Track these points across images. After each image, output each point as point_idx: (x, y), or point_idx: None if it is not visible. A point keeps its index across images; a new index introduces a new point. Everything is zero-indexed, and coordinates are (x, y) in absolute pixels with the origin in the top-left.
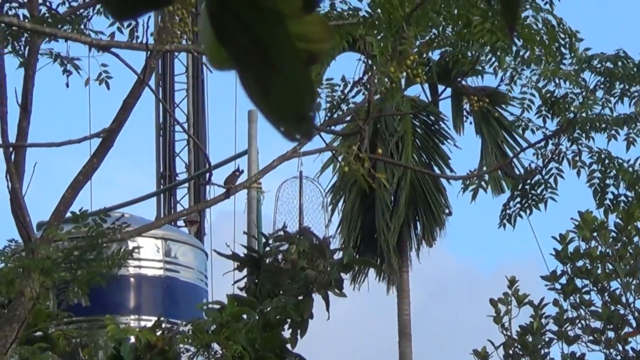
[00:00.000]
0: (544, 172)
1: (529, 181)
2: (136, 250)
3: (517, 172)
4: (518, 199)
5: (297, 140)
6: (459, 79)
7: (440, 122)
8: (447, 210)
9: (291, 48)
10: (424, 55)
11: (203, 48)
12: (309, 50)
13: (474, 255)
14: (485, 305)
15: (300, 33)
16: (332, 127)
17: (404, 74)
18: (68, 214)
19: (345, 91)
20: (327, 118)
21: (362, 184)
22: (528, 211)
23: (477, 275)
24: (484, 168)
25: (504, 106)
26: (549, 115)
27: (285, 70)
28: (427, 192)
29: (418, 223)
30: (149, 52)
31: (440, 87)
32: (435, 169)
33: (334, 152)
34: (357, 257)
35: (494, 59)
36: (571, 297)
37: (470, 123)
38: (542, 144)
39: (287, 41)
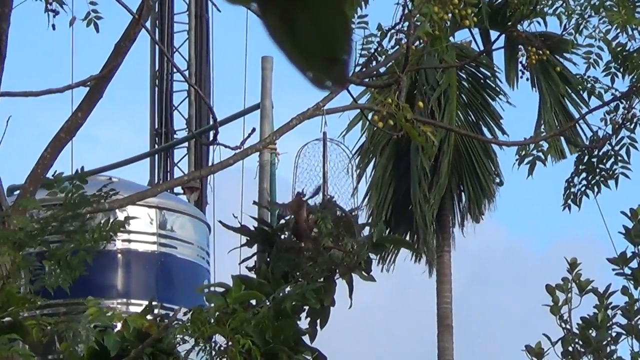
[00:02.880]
0: (613, 142)
1: (595, 152)
2: (129, 221)
3: (583, 138)
4: (584, 175)
5: (328, 88)
6: (515, 24)
7: (492, 75)
8: (497, 180)
9: None
10: None
11: None
12: None
13: (524, 231)
14: (539, 291)
15: None
16: (366, 79)
17: (450, 15)
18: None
19: (382, 41)
20: (359, 70)
21: (412, 135)
22: (596, 189)
23: (528, 255)
24: (542, 129)
25: (566, 55)
26: (619, 73)
27: (315, 5)
28: (474, 158)
29: (463, 194)
30: None
31: (492, 34)
32: (484, 130)
33: (362, 110)
34: (388, 233)
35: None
36: None
37: (527, 79)
38: (612, 107)
39: None
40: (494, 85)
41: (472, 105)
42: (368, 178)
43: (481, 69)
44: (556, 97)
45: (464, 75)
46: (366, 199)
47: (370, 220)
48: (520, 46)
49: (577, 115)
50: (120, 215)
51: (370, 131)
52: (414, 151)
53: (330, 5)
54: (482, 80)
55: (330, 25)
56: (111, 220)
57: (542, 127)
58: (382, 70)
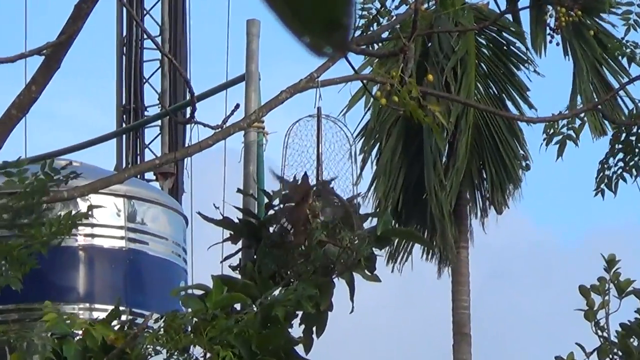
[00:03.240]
0: None
1: (635, 129)
2: (92, 211)
3: (623, 112)
4: (620, 155)
5: (327, 55)
6: None
7: (517, 40)
8: (524, 163)
9: None
10: None
11: None
12: None
13: (553, 222)
14: (570, 293)
15: None
16: (366, 47)
17: None
18: None
19: (385, 1)
20: (359, 35)
21: (416, 115)
22: (634, 171)
23: (557, 250)
24: (579, 100)
25: (602, 16)
26: None
27: None
28: (498, 137)
29: (484, 180)
30: None
31: None
32: (509, 104)
33: (364, 82)
34: (396, 226)
35: None
36: None
37: (558, 44)
38: None
39: None
40: (518, 52)
41: (494, 76)
42: (373, 162)
43: (503, 33)
44: (592, 64)
45: (483, 41)
46: (372, 187)
47: (376, 211)
48: (548, 6)
49: (617, 85)
50: (82, 206)
51: (376, 108)
52: (427, 130)
53: None
54: (504, 47)
55: None
56: (72, 212)
57: (579, 98)
58: (385, 35)
